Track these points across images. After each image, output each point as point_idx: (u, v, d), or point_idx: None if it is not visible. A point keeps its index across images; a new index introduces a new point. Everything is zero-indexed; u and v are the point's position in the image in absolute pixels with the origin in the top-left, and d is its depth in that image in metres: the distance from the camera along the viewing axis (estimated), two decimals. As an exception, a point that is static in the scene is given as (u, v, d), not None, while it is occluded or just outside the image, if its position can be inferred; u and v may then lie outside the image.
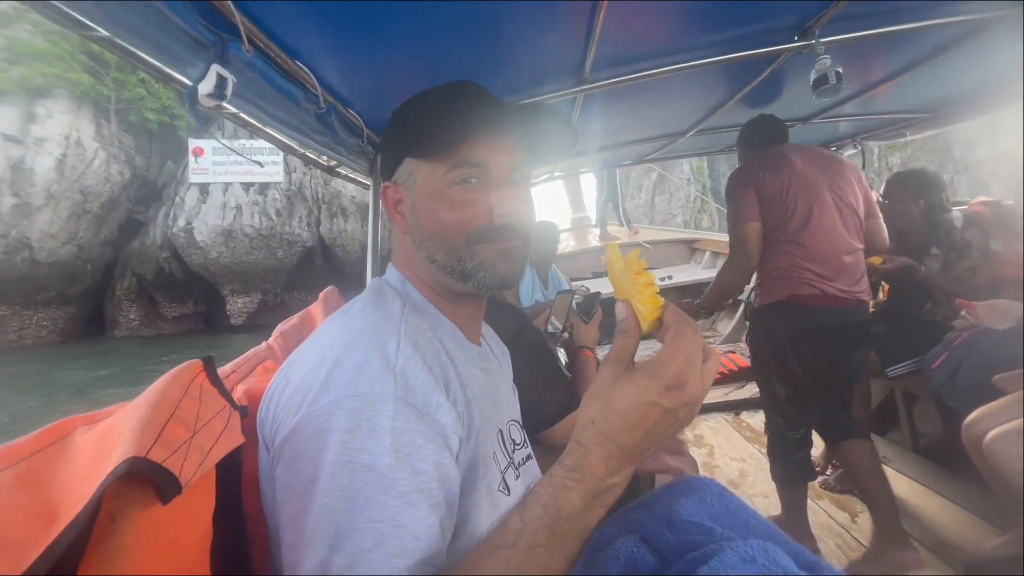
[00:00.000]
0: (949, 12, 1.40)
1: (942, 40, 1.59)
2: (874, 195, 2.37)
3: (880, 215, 2.01)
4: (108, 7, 0.73)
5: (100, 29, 0.77)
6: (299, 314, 1.29)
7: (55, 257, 14.28)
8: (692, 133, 2.46)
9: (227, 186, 15.99)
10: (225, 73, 0.88)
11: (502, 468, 0.75)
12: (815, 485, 2.24)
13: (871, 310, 2.46)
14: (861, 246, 1.88)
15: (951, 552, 1.74)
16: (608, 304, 1.96)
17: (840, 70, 1.41)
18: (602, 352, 0.66)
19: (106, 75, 14.94)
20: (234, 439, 0.66)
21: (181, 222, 15.39)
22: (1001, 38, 1.52)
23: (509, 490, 0.74)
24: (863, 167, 2.39)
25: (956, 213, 2.10)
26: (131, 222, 16.13)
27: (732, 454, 2.70)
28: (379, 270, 1.86)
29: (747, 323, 2.17)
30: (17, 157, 13.59)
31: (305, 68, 1.16)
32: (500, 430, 0.78)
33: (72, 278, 14.77)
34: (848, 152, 2.96)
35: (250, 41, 0.93)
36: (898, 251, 2.22)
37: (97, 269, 15.48)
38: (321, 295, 1.44)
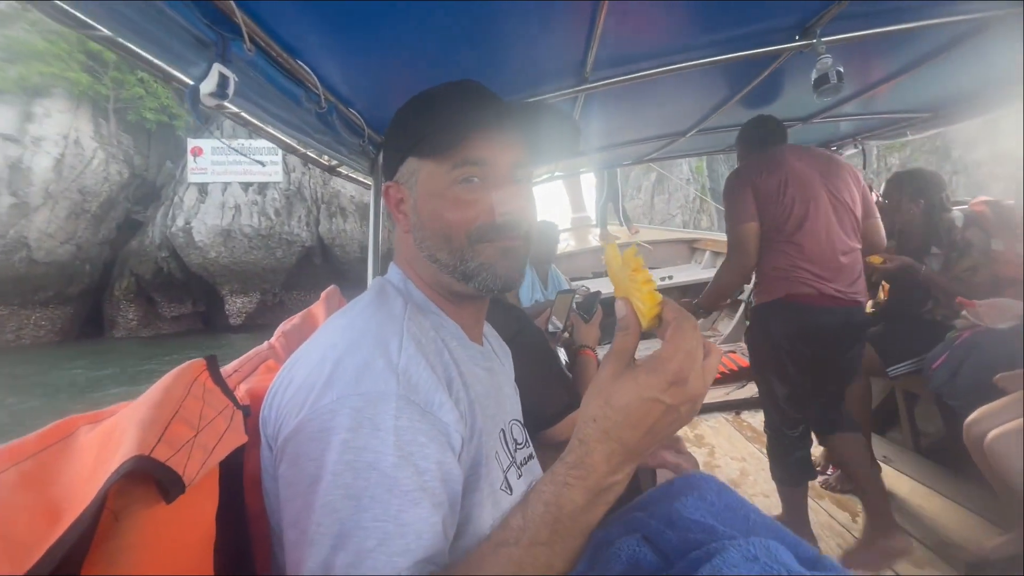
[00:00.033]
0: (950, 12, 1.40)
1: (943, 40, 1.59)
2: (874, 195, 2.38)
3: (878, 214, 2.02)
4: (110, 6, 0.73)
5: (102, 28, 0.76)
6: (301, 313, 1.28)
7: (53, 257, 14.25)
8: (693, 133, 2.47)
9: (226, 186, 15.97)
10: (227, 72, 0.88)
11: (504, 467, 0.75)
12: (816, 485, 2.25)
13: (871, 309, 2.47)
14: (858, 246, 1.90)
15: (952, 552, 1.74)
16: (608, 303, 1.96)
17: (841, 69, 1.41)
18: (603, 351, 0.66)
19: (104, 74, 14.92)
20: (237, 438, 0.66)
21: (180, 222, 15.37)
22: (1001, 38, 1.52)
23: (511, 489, 0.74)
24: (864, 167, 2.40)
25: (957, 213, 2.10)
26: (130, 222, 16.11)
27: (733, 453, 2.70)
28: (380, 270, 1.86)
29: (747, 322, 2.17)
30: (15, 156, 13.56)
31: (306, 67, 1.17)
32: (502, 429, 0.78)
33: (70, 278, 14.74)
34: (849, 152, 2.96)
35: (252, 40, 0.93)
36: (899, 250, 2.22)
37: (95, 269, 15.45)
38: (323, 294, 1.44)
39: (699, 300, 2.10)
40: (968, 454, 1.58)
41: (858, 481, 1.87)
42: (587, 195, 8.75)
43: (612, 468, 0.54)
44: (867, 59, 1.72)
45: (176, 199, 15.80)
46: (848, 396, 2.18)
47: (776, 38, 1.47)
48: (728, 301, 2.80)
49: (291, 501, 0.57)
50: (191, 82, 0.88)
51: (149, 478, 0.51)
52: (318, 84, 1.21)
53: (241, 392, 0.80)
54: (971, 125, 2.49)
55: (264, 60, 1.03)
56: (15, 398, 9.98)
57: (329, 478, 0.54)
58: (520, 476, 0.78)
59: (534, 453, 0.89)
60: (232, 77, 0.89)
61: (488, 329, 0.92)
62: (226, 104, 0.95)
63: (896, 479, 2.25)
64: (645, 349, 0.51)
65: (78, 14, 0.73)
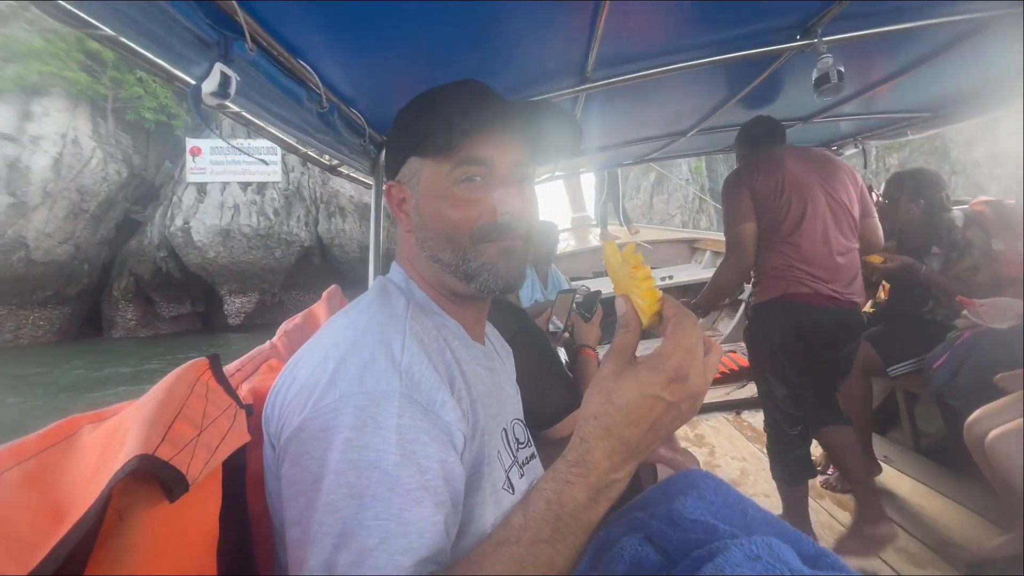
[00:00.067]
0: (950, 11, 1.41)
1: (943, 39, 1.59)
2: (874, 195, 2.39)
3: (875, 214, 2.05)
4: (113, 6, 0.73)
5: (105, 28, 0.76)
6: (303, 313, 1.29)
7: (51, 256, 14.23)
8: (693, 132, 2.47)
9: (225, 186, 15.96)
10: (229, 72, 0.88)
11: (506, 467, 0.75)
12: (816, 484, 2.25)
13: (871, 309, 2.48)
14: (856, 246, 1.92)
15: (953, 551, 1.74)
16: (608, 303, 1.96)
17: (842, 69, 1.41)
18: (603, 351, 0.66)
19: (103, 74, 14.91)
20: (240, 437, 0.66)
21: (179, 222, 15.36)
22: (1001, 37, 1.52)
23: (513, 489, 0.74)
24: (865, 167, 2.40)
25: (957, 212, 2.10)
26: (128, 222, 16.09)
27: (733, 453, 2.70)
28: (380, 269, 1.86)
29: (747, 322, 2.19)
30: (13, 156, 13.54)
31: (308, 67, 1.17)
32: (504, 429, 0.78)
33: (69, 278, 14.72)
34: (849, 151, 2.97)
35: (253, 40, 0.93)
36: (899, 250, 2.22)
37: (94, 269, 15.43)
38: (324, 294, 1.44)
39: (697, 300, 2.11)
40: (969, 454, 1.59)
41: (848, 472, 1.94)
42: (587, 195, 8.75)
43: (613, 465, 0.54)
44: (867, 59, 1.72)
45: (175, 199, 15.79)
46: (848, 396, 2.21)
47: (777, 38, 1.47)
48: (726, 301, 2.81)
49: (294, 500, 0.57)
50: (193, 82, 0.88)
51: (153, 477, 0.51)
52: (319, 84, 1.21)
53: (244, 391, 0.80)
54: (969, 126, 2.50)
55: (266, 60, 1.04)
56: (14, 398, 9.95)
57: (332, 477, 0.54)
58: (522, 476, 0.79)
59: (536, 453, 0.89)
60: (234, 77, 0.89)
61: (489, 329, 0.92)
62: (228, 104, 0.95)
63: (897, 479, 2.25)
64: (644, 349, 0.51)
65: (81, 14, 0.73)
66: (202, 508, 0.58)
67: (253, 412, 0.74)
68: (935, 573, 1.68)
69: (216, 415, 0.64)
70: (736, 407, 3.27)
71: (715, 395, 3.37)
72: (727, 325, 4.71)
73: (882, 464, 2.28)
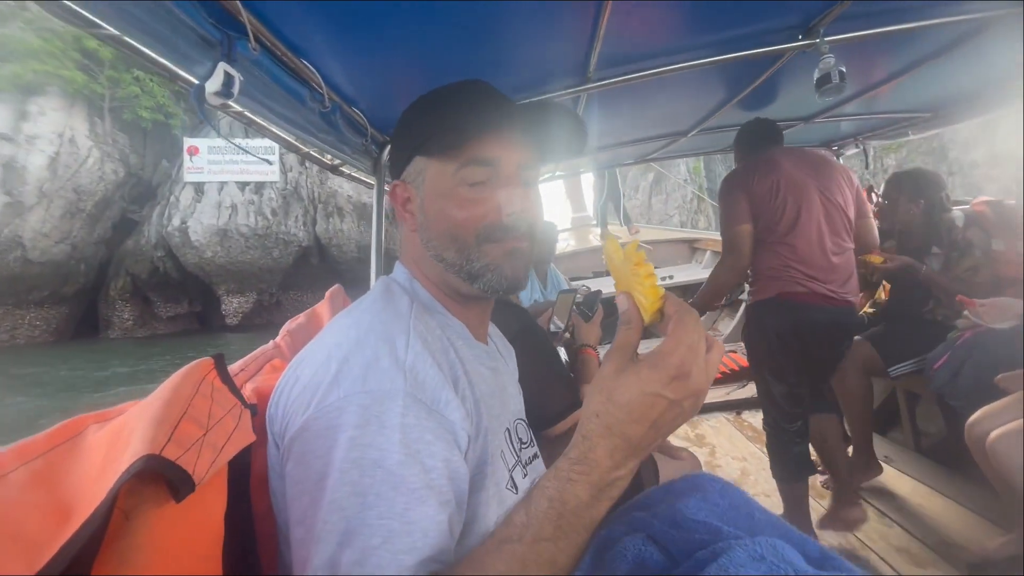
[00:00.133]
0: (951, 12, 1.41)
1: (944, 39, 1.59)
2: (873, 195, 2.40)
3: (871, 215, 2.10)
4: (118, 5, 0.73)
5: (108, 27, 0.76)
6: (305, 313, 1.29)
7: (48, 256, 14.20)
8: (695, 132, 2.47)
9: (222, 185, 15.94)
10: (232, 71, 0.88)
11: (510, 466, 0.75)
12: (817, 484, 2.26)
13: (871, 310, 2.49)
14: (851, 246, 1.96)
15: (954, 552, 1.74)
16: (609, 303, 1.97)
17: (843, 69, 1.41)
18: (604, 351, 0.66)
19: (100, 73, 14.88)
20: (246, 437, 0.66)
21: (176, 221, 15.33)
22: (1002, 38, 1.53)
23: (517, 488, 0.74)
24: (866, 166, 2.41)
25: (957, 213, 2.10)
26: (125, 221, 16.06)
27: (734, 453, 2.71)
28: (382, 269, 1.86)
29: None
30: (9, 155, 13.52)
31: (311, 67, 1.17)
32: (507, 428, 0.78)
33: (65, 277, 14.69)
34: (850, 151, 2.98)
35: (257, 40, 0.93)
36: (899, 250, 2.23)
37: (91, 268, 15.40)
38: (327, 294, 1.44)
39: (694, 300, 2.13)
40: (969, 454, 1.59)
41: (828, 457, 2.04)
42: (586, 195, 8.76)
43: (615, 463, 0.54)
44: (869, 59, 1.73)
45: (172, 198, 15.76)
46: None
47: (779, 38, 1.47)
48: (723, 301, 2.83)
49: (298, 499, 0.57)
50: (196, 81, 0.87)
51: (159, 477, 0.51)
52: (322, 83, 1.21)
53: (248, 391, 0.80)
54: (968, 126, 2.50)
55: (269, 59, 1.03)
56: (13, 398, 9.92)
57: (336, 475, 0.54)
58: (525, 475, 0.79)
59: (538, 452, 0.89)
60: (237, 76, 0.89)
61: (492, 328, 0.92)
62: (231, 103, 0.95)
63: (897, 479, 2.25)
64: (644, 349, 0.51)
65: (86, 13, 0.73)
66: (208, 508, 0.58)
67: (257, 412, 0.74)
68: (936, 573, 1.69)
69: (221, 415, 0.65)
70: (737, 407, 3.27)
71: (716, 395, 3.37)
72: (727, 325, 4.72)
73: (883, 464, 2.28)
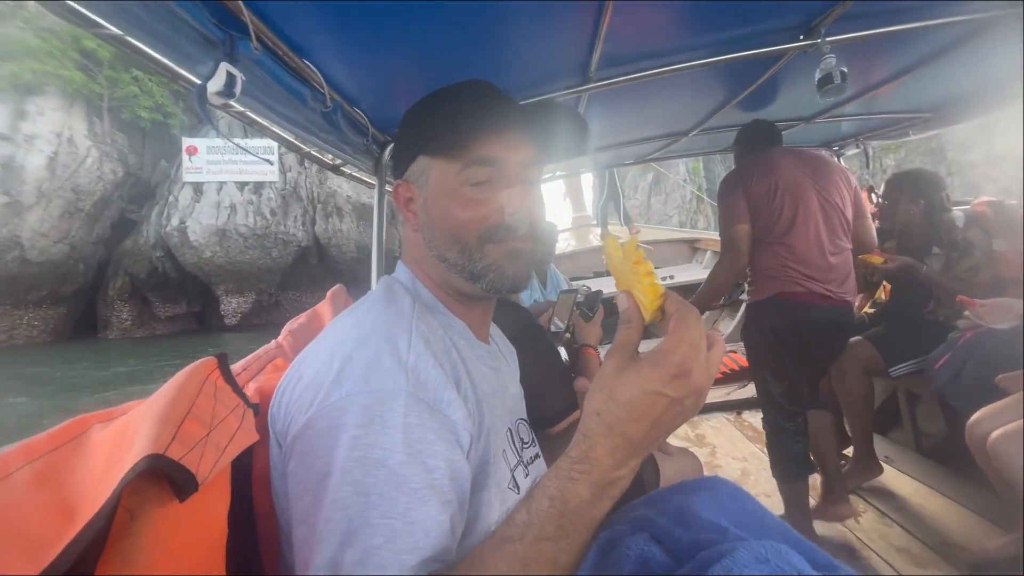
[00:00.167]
0: (953, 12, 1.41)
1: (945, 40, 1.60)
2: (873, 196, 2.40)
3: (868, 215, 2.12)
4: (121, 5, 0.73)
5: (111, 27, 0.76)
6: (307, 312, 1.29)
7: (46, 256, 14.18)
8: (695, 132, 2.47)
9: (221, 185, 15.93)
10: (234, 71, 0.88)
11: (512, 466, 0.75)
12: (817, 484, 2.26)
13: (872, 310, 2.49)
14: (849, 246, 1.98)
15: (954, 552, 1.74)
16: (609, 303, 1.97)
17: (845, 70, 1.41)
18: (604, 351, 0.66)
19: (99, 72, 14.87)
20: (249, 437, 0.66)
21: (175, 221, 15.32)
22: (1003, 38, 1.53)
23: (519, 488, 0.74)
24: (868, 166, 2.42)
25: (957, 213, 2.10)
26: (124, 221, 16.04)
27: (734, 453, 2.71)
28: (383, 269, 1.86)
29: None
30: (8, 155, 13.50)
31: (312, 66, 1.16)
32: (509, 428, 0.78)
33: (64, 277, 14.67)
34: (851, 151, 2.99)
35: (259, 39, 0.93)
36: (899, 251, 2.23)
37: (89, 268, 15.38)
38: (329, 293, 1.44)
39: (693, 299, 2.13)
40: (970, 454, 1.59)
41: (819, 452, 2.05)
42: (586, 195, 8.76)
43: (617, 462, 0.54)
44: (870, 59, 1.73)
45: (171, 198, 15.74)
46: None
47: (780, 38, 1.47)
48: (722, 301, 2.84)
49: (300, 498, 0.57)
50: (198, 81, 0.87)
51: (163, 477, 0.51)
52: (323, 83, 1.21)
53: (250, 390, 0.80)
54: (966, 127, 2.51)
55: (271, 59, 1.03)
56: (11, 398, 9.91)
57: (338, 475, 0.54)
58: (527, 475, 0.79)
59: (540, 452, 0.89)
60: (239, 76, 0.89)
61: (493, 328, 0.92)
62: (232, 103, 0.95)
63: (898, 479, 2.25)
64: (644, 349, 0.51)
65: (89, 13, 0.73)
66: (211, 508, 0.58)
67: (259, 411, 0.74)
68: (936, 573, 1.69)
69: (225, 414, 0.65)
70: (737, 407, 3.27)
71: (716, 395, 3.37)
72: (728, 325, 4.71)
73: (883, 464, 2.28)
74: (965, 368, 1.79)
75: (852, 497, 2.17)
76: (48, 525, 0.43)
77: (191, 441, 0.55)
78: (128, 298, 15.57)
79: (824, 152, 3.01)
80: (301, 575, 0.56)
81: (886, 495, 2.16)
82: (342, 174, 1.92)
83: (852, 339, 2.25)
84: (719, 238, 2.07)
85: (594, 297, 1.87)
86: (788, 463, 1.97)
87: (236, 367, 0.89)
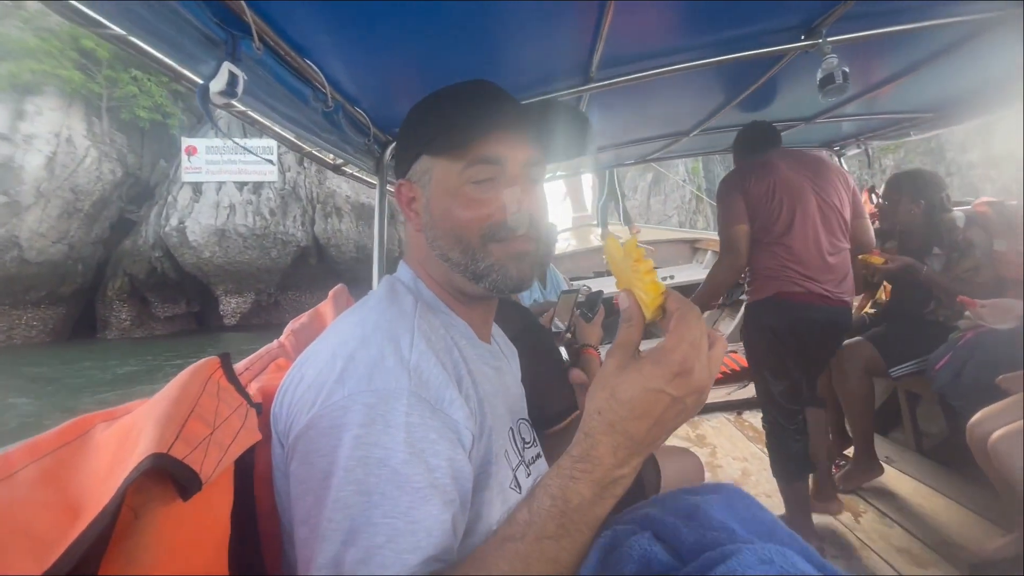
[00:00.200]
0: (954, 12, 1.41)
1: (946, 40, 1.60)
2: (874, 196, 2.40)
3: (866, 215, 2.14)
4: (124, 5, 0.73)
5: (114, 27, 0.76)
6: (309, 312, 1.29)
7: (45, 256, 14.15)
8: (696, 132, 2.47)
9: (220, 185, 15.90)
10: (236, 71, 0.88)
11: (513, 466, 0.75)
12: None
13: (872, 310, 2.49)
14: (847, 246, 2.00)
15: (955, 552, 1.74)
16: (610, 303, 1.97)
17: (846, 70, 1.41)
18: (605, 351, 0.66)
19: (97, 72, 14.84)
20: (252, 436, 0.66)
21: (174, 221, 15.29)
22: (1004, 39, 1.53)
23: (520, 488, 0.74)
24: (869, 166, 2.43)
25: (958, 213, 2.11)
26: (123, 221, 16.02)
27: (735, 453, 2.71)
28: (384, 268, 1.86)
29: None
30: (6, 155, 13.47)
31: (314, 66, 1.17)
32: (511, 428, 0.78)
33: (62, 278, 14.64)
34: (852, 152, 2.99)
35: (261, 39, 0.93)
36: (900, 251, 2.23)
37: (88, 269, 15.35)
38: (331, 293, 1.44)
39: (692, 299, 2.13)
40: (970, 455, 1.59)
41: (813, 451, 2.06)
42: (587, 195, 8.77)
43: (619, 461, 0.54)
44: (871, 59, 1.73)
45: (170, 198, 15.72)
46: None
47: (781, 38, 1.47)
48: (720, 300, 2.86)
49: (302, 497, 0.57)
50: (201, 81, 0.87)
51: (167, 476, 0.51)
52: (325, 83, 1.21)
53: (252, 390, 0.80)
54: (964, 127, 2.52)
55: (272, 59, 1.03)
56: (19, 399, 9.89)
57: (341, 474, 0.54)
58: (529, 475, 0.79)
59: (542, 452, 0.89)
60: (241, 76, 0.89)
61: (495, 328, 0.92)
62: (235, 103, 0.95)
63: (898, 479, 2.25)
64: (645, 348, 0.51)
65: (91, 13, 0.73)
66: (214, 507, 0.58)
67: (262, 411, 0.74)
68: (937, 574, 1.69)
69: (228, 414, 0.65)
70: (737, 407, 3.27)
71: (716, 395, 3.37)
72: (728, 325, 4.71)
73: (884, 465, 2.28)
74: (966, 368, 1.79)
75: (853, 497, 2.18)
76: (52, 524, 0.43)
77: (195, 440, 0.55)
78: (127, 298, 15.54)
79: (824, 152, 3.02)
80: (303, 574, 0.56)
81: (887, 495, 2.16)
82: (343, 174, 1.93)
83: (853, 339, 2.27)
84: (719, 238, 2.08)
85: (595, 297, 1.87)
86: (788, 462, 1.98)
87: (238, 367, 0.89)
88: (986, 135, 11.80)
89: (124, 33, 0.78)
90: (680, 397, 0.52)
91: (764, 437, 2.09)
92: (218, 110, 1.01)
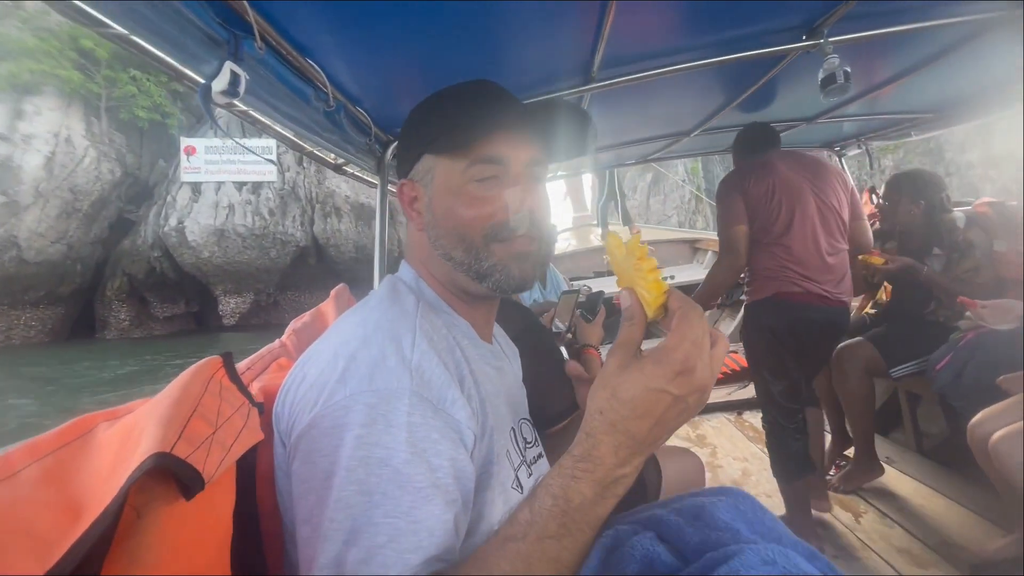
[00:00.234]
0: (956, 12, 1.41)
1: (947, 40, 1.60)
2: (874, 197, 2.41)
3: (864, 216, 2.16)
4: (127, 5, 0.73)
5: (116, 26, 0.76)
6: (311, 312, 1.29)
7: (44, 256, 14.14)
8: (697, 133, 2.47)
9: (219, 185, 15.89)
10: (238, 70, 0.88)
11: (515, 466, 0.75)
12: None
13: (873, 311, 2.49)
14: (845, 247, 2.01)
15: (955, 552, 1.74)
16: (611, 303, 1.97)
17: (848, 70, 1.41)
18: (605, 351, 0.66)
19: (96, 72, 14.82)
20: (254, 435, 0.66)
21: (173, 221, 15.28)
22: (1005, 39, 1.53)
23: (522, 488, 0.74)
24: (870, 166, 2.43)
25: (958, 213, 2.11)
26: (122, 221, 16.00)
27: (735, 454, 2.71)
28: (385, 268, 1.86)
29: None
30: (5, 155, 13.47)
31: (316, 66, 1.17)
32: (512, 428, 0.78)
33: (61, 278, 14.62)
34: (853, 152, 3.00)
35: (263, 39, 0.93)
36: (900, 251, 2.23)
37: (87, 269, 15.33)
38: (332, 293, 1.44)
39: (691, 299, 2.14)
40: (971, 455, 1.59)
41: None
42: (587, 195, 8.77)
43: (620, 460, 0.54)
44: (872, 59, 1.73)
45: (169, 198, 15.70)
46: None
47: (782, 38, 1.47)
48: (719, 300, 2.87)
49: (304, 497, 0.57)
50: (203, 80, 0.87)
51: (169, 475, 0.51)
52: (327, 83, 1.21)
53: (254, 389, 0.80)
54: (963, 127, 2.52)
55: (274, 59, 1.03)
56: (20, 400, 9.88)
57: (342, 474, 0.54)
58: (530, 475, 0.79)
59: (543, 452, 0.89)
60: (243, 75, 0.89)
61: (497, 328, 0.92)
62: (236, 102, 0.95)
63: (899, 480, 2.25)
64: (646, 348, 0.51)
65: (94, 12, 0.73)
66: (217, 506, 0.58)
67: (264, 410, 0.74)
68: (937, 574, 1.69)
69: (230, 413, 0.65)
70: (738, 407, 3.27)
71: (717, 395, 3.37)
72: (728, 325, 4.71)
73: (884, 465, 2.28)
74: (966, 369, 1.79)
75: (853, 497, 2.19)
76: (54, 523, 0.43)
77: (197, 440, 0.55)
78: (126, 298, 15.52)
79: (825, 153, 3.03)
80: (305, 574, 0.56)
81: (887, 496, 2.16)
82: (344, 174, 1.93)
83: (854, 340, 2.27)
84: (718, 239, 2.09)
85: (595, 298, 1.87)
86: (788, 461, 1.98)
87: (240, 366, 0.89)
88: (985, 135, 11.80)
89: (126, 32, 0.78)
90: (682, 396, 0.52)
91: (764, 437, 2.10)
92: (218, 110, 1.01)
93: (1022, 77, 1.84)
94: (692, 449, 2.12)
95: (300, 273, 16.69)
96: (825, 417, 2.33)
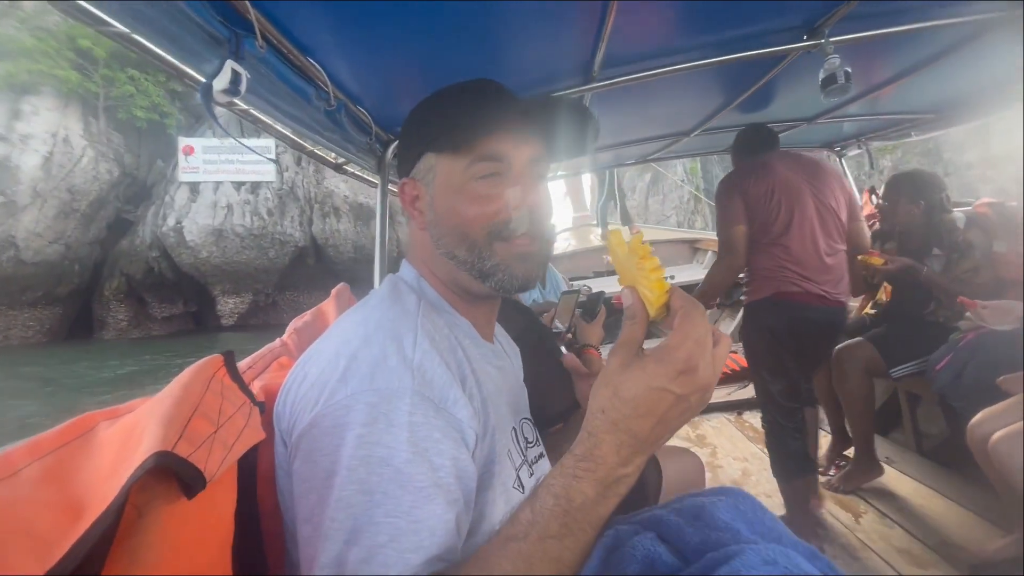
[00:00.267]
0: (956, 12, 1.41)
1: (948, 41, 1.60)
2: (874, 197, 2.41)
3: (862, 218, 2.18)
4: (128, 4, 0.73)
5: (118, 25, 0.76)
6: (312, 311, 1.29)
7: (41, 256, 14.10)
8: (697, 133, 2.48)
9: (218, 185, 15.85)
10: (239, 69, 0.88)
11: (516, 466, 0.75)
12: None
13: (872, 311, 2.50)
14: (843, 247, 2.03)
15: (955, 553, 1.74)
16: (611, 302, 1.98)
17: (849, 70, 1.42)
18: (606, 351, 0.66)
19: (94, 72, 14.78)
20: (255, 435, 0.66)
21: (171, 221, 15.25)
22: (1005, 40, 1.54)
23: (524, 488, 0.74)
24: (872, 166, 2.45)
25: (958, 214, 2.11)
26: (120, 221, 15.96)
27: (735, 454, 2.71)
28: (386, 268, 1.86)
29: None
30: (2, 155, 13.43)
31: (317, 65, 1.17)
32: (514, 428, 0.78)
33: (59, 278, 14.59)
34: (853, 152, 3.00)
35: (264, 38, 0.93)
36: (900, 252, 2.24)
37: (85, 269, 15.29)
38: (333, 292, 1.44)
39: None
40: (971, 456, 1.59)
41: None
42: (587, 195, 8.76)
43: (622, 460, 0.54)
44: (873, 60, 1.74)
45: (167, 198, 15.67)
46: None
47: (783, 38, 1.48)
48: (718, 300, 2.88)
49: (305, 496, 0.57)
50: (204, 79, 0.87)
51: (171, 474, 0.51)
52: (328, 82, 1.21)
53: (255, 388, 0.80)
54: (962, 128, 2.53)
55: (275, 57, 1.04)
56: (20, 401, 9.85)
57: (343, 473, 0.54)
58: (532, 475, 0.79)
59: (544, 452, 0.89)
60: (244, 74, 0.89)
61: (498, 328, 0.92)
62: (237, 101, 0.95)
63: (898, 480, 2.25)
64: (647, 348, 0.51)
65: (96, 11, 0.73)
66: (218, 505, 0.58)
67: (265, 409, 0.74)
68: (937, 574, 1.69)
69: (232, 412, 0.64)
70: (738, 407, 3.27)
71: (717, 395, 3.37)
72: (728, 325, 4.71)
73: (884, 465, 2.28)
74: (966, 369, 1.79)
75: (853, 498, 2.19)
76: (55, 523, 0.43)
77: (199, 439, 0.54)
78: (124, 298, 15.48)
79: (825, 153, 3.03)
80: (306, 574, 0.56)
81: (887, 496, 2.16)
82: (345, 173, 1.93)
83: (854, 340, 2.27)
84: (717, 239, 2.09)
85: (596, 298, 1.87)
86: (787, 460, 1.99)
87: (241, 365, 0.89)
88: (984, 135, 11.84)
89: (128, 31, 0.78)
90: (684, 395, 0.52)
91: (764, 437, 2.10)
92: (219, 109, 1.01)
93: (1022, 77, 1.84)
94: (692, 449, 2.12)
95: (298, 273, 16.67)
96: (825, 417, 2.34)
